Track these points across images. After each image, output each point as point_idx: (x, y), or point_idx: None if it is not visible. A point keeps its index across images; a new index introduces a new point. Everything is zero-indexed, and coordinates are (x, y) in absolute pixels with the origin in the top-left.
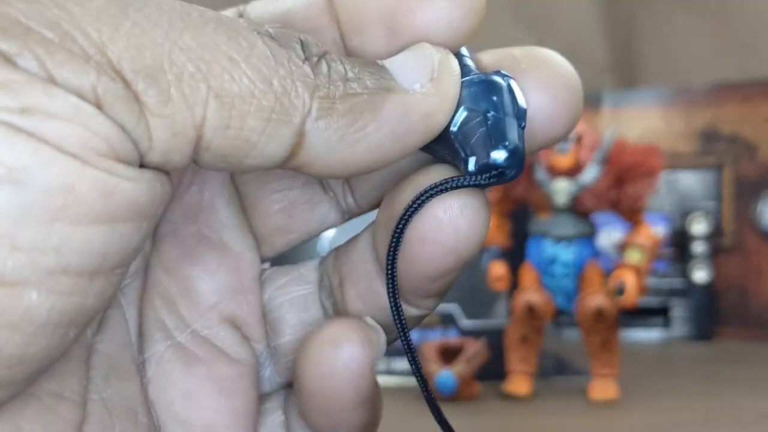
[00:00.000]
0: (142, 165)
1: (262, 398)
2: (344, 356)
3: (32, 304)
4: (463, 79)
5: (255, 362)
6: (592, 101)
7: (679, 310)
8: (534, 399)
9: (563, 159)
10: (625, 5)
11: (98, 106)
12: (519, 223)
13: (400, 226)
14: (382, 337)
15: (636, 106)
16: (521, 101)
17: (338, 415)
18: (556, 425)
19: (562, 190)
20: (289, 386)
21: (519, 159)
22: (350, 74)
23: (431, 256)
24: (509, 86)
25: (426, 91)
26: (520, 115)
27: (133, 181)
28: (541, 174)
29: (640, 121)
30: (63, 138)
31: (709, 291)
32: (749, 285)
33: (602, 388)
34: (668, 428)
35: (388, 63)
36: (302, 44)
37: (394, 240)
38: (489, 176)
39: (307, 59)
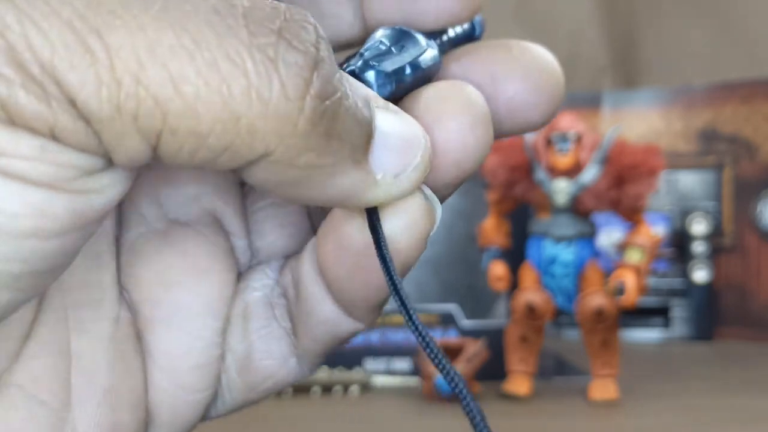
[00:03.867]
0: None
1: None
2: (402, 222)
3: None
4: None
5: (230, 246)
6: (592, 101)
7: (679, 310)
8: (534, 399)
9: (563, 159)
10: (625, 5)
11: (61, 140)
12: (519, 223)
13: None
14: (438, 211)
15: (636, 107)
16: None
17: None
18: (556, 425)
19: (562, 190)
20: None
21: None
22: (340, 123)
23: (436, 165)
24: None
25: (384, 182)
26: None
27: (103, 191)
28: (541, 174)
29: (639, 122)
30: (32, 174)
31: (709, 291)
32: (749, 285)
33: (602, 388)
34: (668, 428)
35: (380, 120)
36: (317, 66)
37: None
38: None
39: (310, 95)
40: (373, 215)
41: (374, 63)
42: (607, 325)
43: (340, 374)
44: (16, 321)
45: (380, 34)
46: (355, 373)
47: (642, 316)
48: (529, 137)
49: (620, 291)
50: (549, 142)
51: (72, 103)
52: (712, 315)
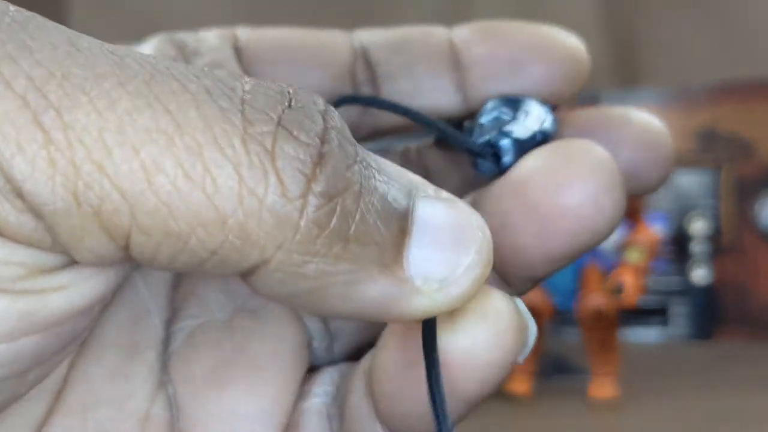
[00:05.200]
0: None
1: (307, 375)
2: (485, 333)
3: None
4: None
5: (303, 340)
6: (591, 101)
7: (678, 310)
8: (534, 399)
9: None
10: (625, 5)
11: (4, 235)
12: None
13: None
14: (533, 329)
15: (635, 106)
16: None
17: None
18: (556, 425)
19: None
20: (346, 360)
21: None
22: (356, 223)
23: (565, 232)
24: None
25: (427, 288)
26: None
27: (64, 289)
28: None
29: None
30: None
31: (708, 291)
32: (749, 285)
33: (602, 387)
34: (668, 428)
35: (423, 210)
36: (322, 159)
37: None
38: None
39: (313, 193)
40: (428, 328)
41: (508, 131)
42: (607, 324)
43: None
44: (19, 426)
45: (496, 103)
46: None
47: (641, 316)
48: None
49: (620, 290)
50: None
51: (17, 192)
52: (712, 315)
